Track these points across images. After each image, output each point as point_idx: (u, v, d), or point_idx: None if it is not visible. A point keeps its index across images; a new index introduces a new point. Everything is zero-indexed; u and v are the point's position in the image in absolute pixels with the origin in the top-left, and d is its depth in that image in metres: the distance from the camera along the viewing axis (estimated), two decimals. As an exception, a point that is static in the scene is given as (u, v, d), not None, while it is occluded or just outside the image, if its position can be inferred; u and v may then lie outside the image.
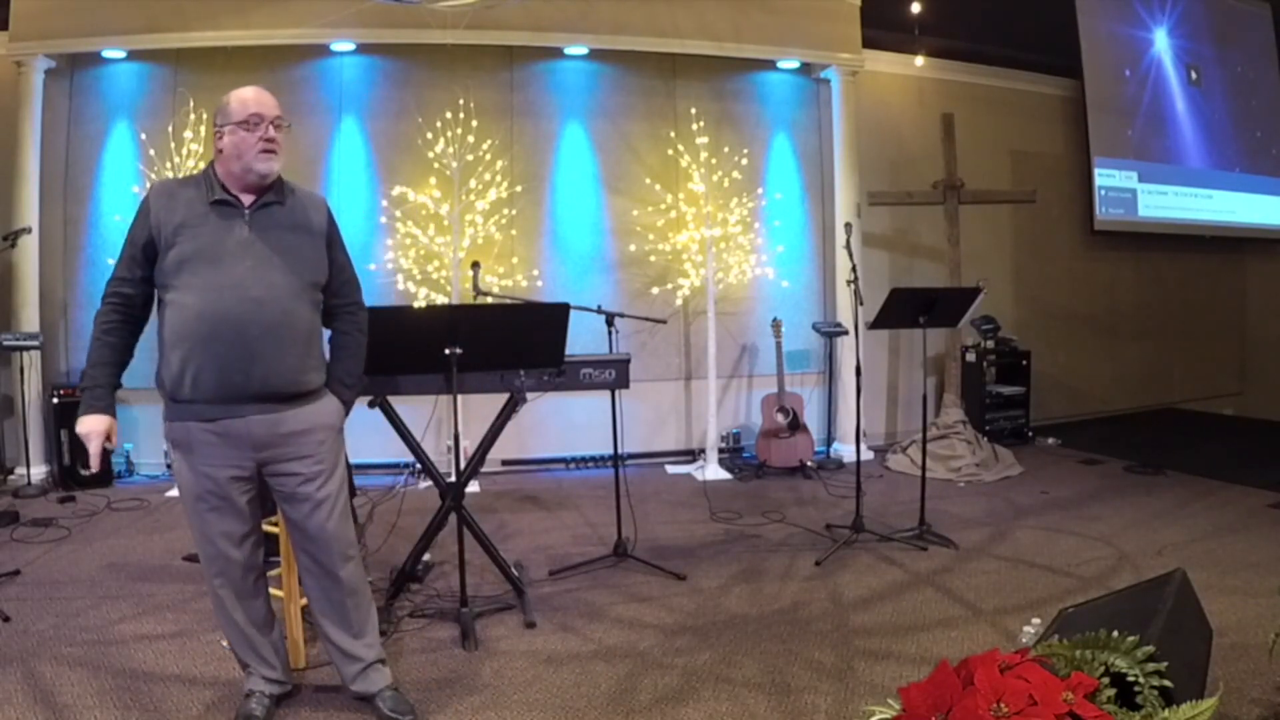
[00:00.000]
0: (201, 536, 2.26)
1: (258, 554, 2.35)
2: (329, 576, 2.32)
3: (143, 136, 5.29)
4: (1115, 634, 1.88)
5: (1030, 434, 6.62)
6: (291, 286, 2.23)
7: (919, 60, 6.51)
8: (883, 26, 6.21)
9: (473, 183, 5.49)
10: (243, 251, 2.19)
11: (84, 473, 2.17)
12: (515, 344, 3.07)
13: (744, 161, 5.90)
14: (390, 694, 2.38)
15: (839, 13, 5.90)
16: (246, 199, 2.25)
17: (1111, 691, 1.75)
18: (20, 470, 5.08)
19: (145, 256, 2.20)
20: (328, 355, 2.42)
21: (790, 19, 5.79)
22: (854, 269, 4.40)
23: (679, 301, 5.94)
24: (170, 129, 5.14)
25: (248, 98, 2.23)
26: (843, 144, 6.02)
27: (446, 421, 4.75)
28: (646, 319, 4.86)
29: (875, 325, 4.17)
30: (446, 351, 2.84)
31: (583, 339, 4.78)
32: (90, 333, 2.25)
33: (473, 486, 5.10)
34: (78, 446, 5.03)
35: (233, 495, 2.22)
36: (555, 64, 5.88)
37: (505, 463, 5.76)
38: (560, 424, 5.79)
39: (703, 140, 5.68)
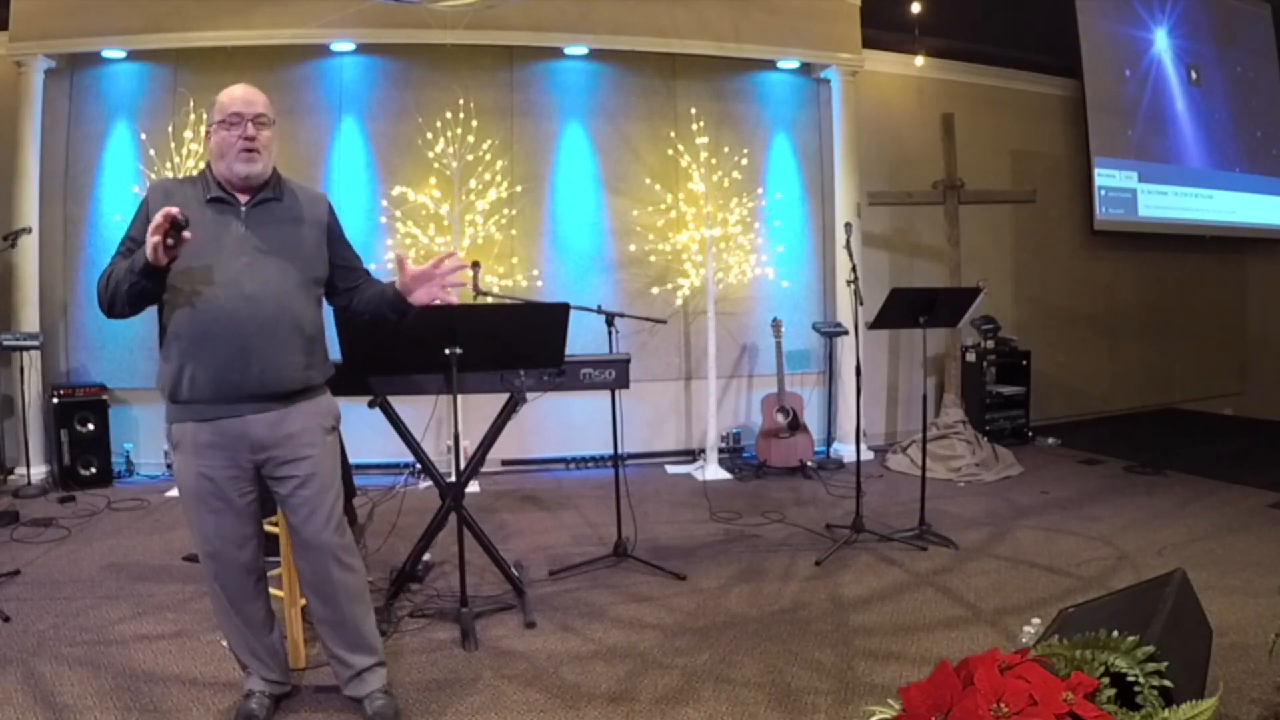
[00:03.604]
0: (201, 537, 2.25)
1: (258, 556, 2.33)
2: (326, 583, 2.30)
3: (143, 136, 5.29)
4: (1115, 634, 1.88)
5: (1030, 434, 6.62)
6: (287, 283, 2.21)
7: (919, 60, 6.50)
8: (883, 26, 6.21)
9: (473, 183, 5.49)
10: (238, 249, 2.18)
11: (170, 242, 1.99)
12: (515, 344, 3.07)
13: (744, 161, 5.90)
14: (380, 696, 2.36)
15: (839, 13, 5.90)
16: (243, 196, 2.24)
17: (1111, 691, 1.75)
18: (20, 470, 5.08)
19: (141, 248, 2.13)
20: (333, 351, 2.41)
21: (790, 19, 5.79)
22: (854, 269, 4.40)
23: (679, 301, 5.94)
24: (170, 129, 5.14)
25: (233, 95, 2.22)
26: (843, 144, 6.02)
27: (446, 421, 4.75)
28: (646, 319, 4.85)
29: (875, 325, 4.17)
30: (446, 351, 2.84)
31: (583, 339, 4.78)
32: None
33: (473, 486, 5.10)
34: (78, 446, 5.09)
35: (232, 497, 2.22)
36: (555, 64, 5.88)
37: (505, 463, 5.76)
38: (560, 424, 5.79)
39: (703, 140, 5.68)
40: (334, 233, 2.38)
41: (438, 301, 2.36)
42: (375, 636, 2.42)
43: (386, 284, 2.40)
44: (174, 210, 1.97)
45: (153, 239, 1.97)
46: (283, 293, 2.20)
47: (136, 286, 2.09)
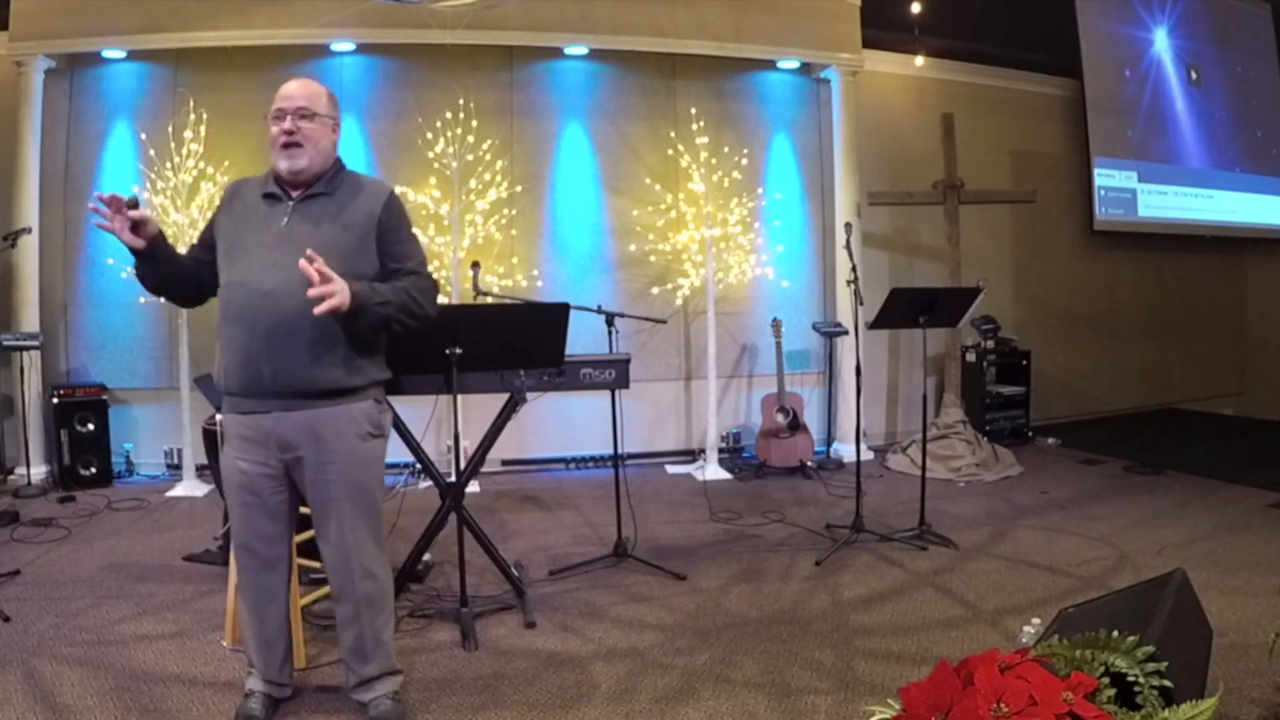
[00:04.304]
0: (234, 528, 2.29)
1: (285, 556, 2.33)
2: (348, 590, 2.30)
3: (143, 136, 5.28)
4: (1115, 634, 1.88)
5: (1030, 434, 6.62)
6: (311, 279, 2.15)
7: (919, 60, 6.50)
8: (883, 26, 6.21)
9: (473, 183, 5.49)
10: (275, 244, 2.18)
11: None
12: (515, 344, 3.07)
13: (744, 161, 5.90)
14: (385, 701, 2.35)
15: (839, 13, 5.90)
16: (294, 191, 2.24)
17: (1111, 691, 1.75)
18: (20, 470, 5.08)
19: (202, 242, 2.32)
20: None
21: (790, 19, 5.79)
22: (854, 269, 4.40)
23: (679, 301, 5.94)
24: (170, 129, 5.13)
25: (282, 90, 2.24)
26: (843, 144, 6.01)
27: (446, 421, 4.75)
28: (646, 319, 4.86)
29: (875, 325, 4.17)
30: (446, 351, 2.84)
31: (583, 339, 4.78)
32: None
33: (473, 486, 5.10)
34: (78, 446, 5.09)
35: (263, 493, 2.23)
36: (555, 64, 5.88)
37: (505, 463, 5.76)
38: (560, 424, 5.79)
39: (703, 140, 5.68)
40: (385, 227, 2.27)
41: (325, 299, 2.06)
42: (390, 646, 2.39)
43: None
44: (111, 194, 2.08)
45: (105, 226, 2.09)
46: (304, 289, 2.13)
47: (144, 276, 2.25)
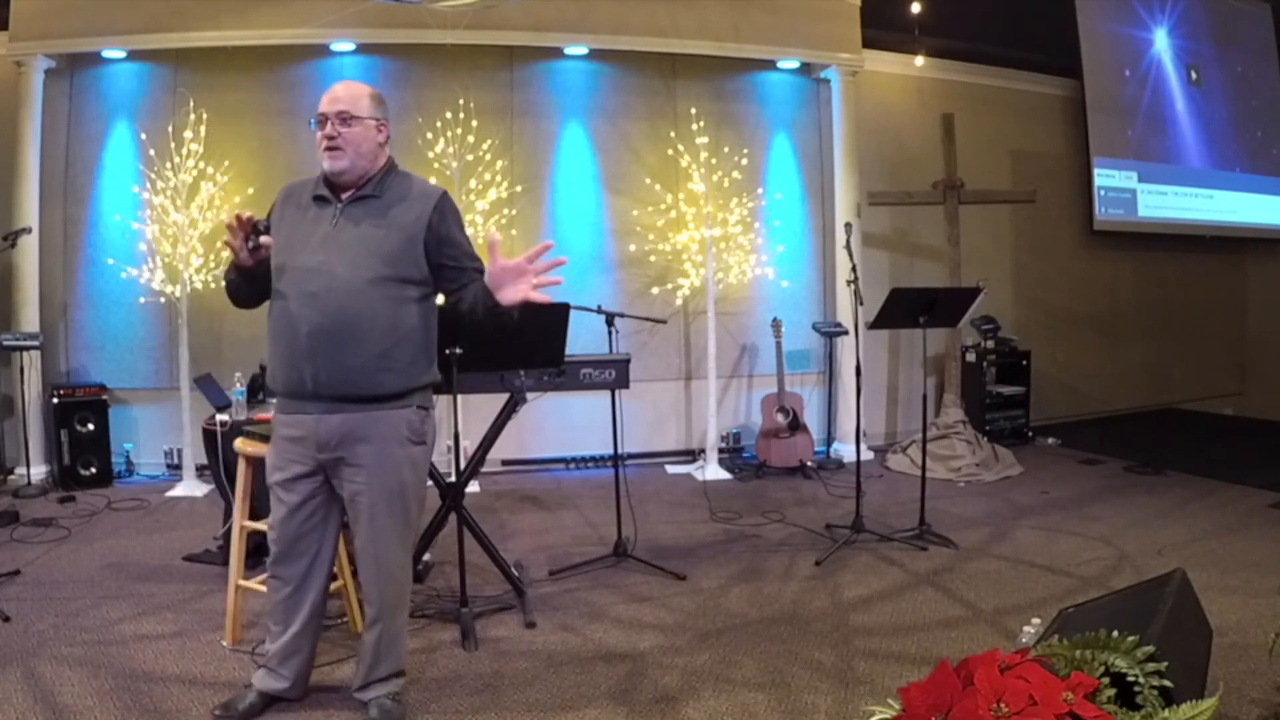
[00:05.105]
0: (271, 520, 2.32)
1: (317, 551, 2.32)
2: (372, 590, 2.32)
3: (143, 136, 5.28)
4: (1115, 634, 1.88)
5: (1030, 434, 6.62)
6: (355, 282, 2.15)
7: (919, 60, 6.50)
8: (883, 26, 6.20)
9: (473, 183, 5.49)
10: (320, 247, 2.19)
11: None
12: (515, 344, 3.07)
13: (744, 161, 5.89)
14: (386, 700, 2.35)
15: (839, 13, 5.90)
16: (344, 193, 2.24)
17: (1111, 691, 1.75)
18: (20, 470, 5.08)
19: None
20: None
21: (790, 19, 5.79)
22: (854, 269, 4.40)
23: (679, 301, 5.94)
24: (170, 129, 5.13)
25: (327, 93, 2.24)
26: (843, 144, 6.01)
27: (446, 421, 4.75)
28: (646, 319, 4.86)
29: (875, 325, 4.18)
30: (446, 351, 2.84)
31: (583, 339, 4.78)
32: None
33: (473, 486, 5.10)
34: (78, 446, 5.09)
35: (297, 489, 2.25)
36: (555, 64, 5.88)
37: (505, 463, 5.76)
38: (560, 424, 5.79)
39: (703, 140, 5.67)
40: (437, 231, 2.22)
41: (531, 299, 2.13)
42: (403, 649, 2.42)
43: (483, 281, 2.22)
44: (248, 215, 2.12)
45: (230, 241, 2.15)
46: (346, 292, 2.14)
47: (233, 284, 2.30)
